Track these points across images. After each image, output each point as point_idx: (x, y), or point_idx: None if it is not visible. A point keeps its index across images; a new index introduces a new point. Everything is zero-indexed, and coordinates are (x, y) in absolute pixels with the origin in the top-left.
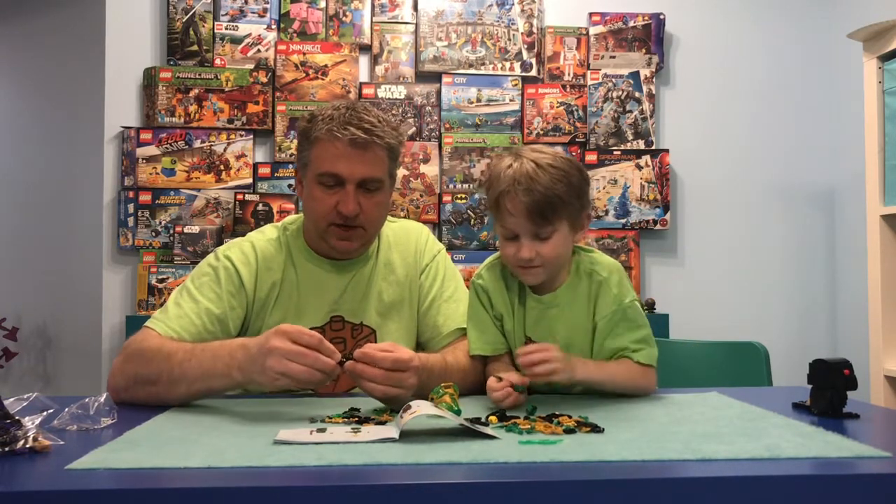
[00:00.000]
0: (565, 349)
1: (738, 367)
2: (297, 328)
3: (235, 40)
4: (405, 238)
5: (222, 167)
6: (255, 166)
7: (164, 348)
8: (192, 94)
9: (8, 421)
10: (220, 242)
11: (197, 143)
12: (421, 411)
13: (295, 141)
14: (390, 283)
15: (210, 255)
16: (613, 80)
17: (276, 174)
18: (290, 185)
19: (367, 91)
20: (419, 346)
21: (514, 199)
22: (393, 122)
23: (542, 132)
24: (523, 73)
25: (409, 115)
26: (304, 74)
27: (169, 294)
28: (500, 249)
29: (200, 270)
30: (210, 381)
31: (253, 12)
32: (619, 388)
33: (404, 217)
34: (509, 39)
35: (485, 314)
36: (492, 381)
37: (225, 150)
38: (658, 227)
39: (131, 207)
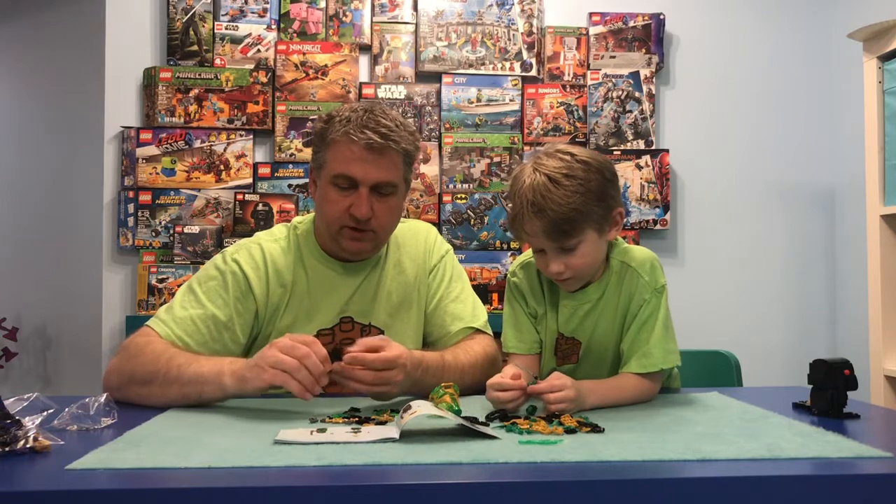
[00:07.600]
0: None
1: (709, 375)
2: (301, 335)
3: (235, 40)
4: (413, 238)
5: (222, 167)
6: (255, 166)
7: (169, 351)
8: (192, 94)
9: (8, 421)
10: (220, 242)
11: (197, 143)
12: (421, 411)
13: (295, 141)
14: (399, 284)
15: (217, 257)
16: (613, 80)
17: (276, 174)
18: (290, 185)
19: (367, 91)
20: (427, 346)
21: (529, 222)
22: (410, 127)
23: (542, 132)
24: (523, 73)
25: (409, 115)
26: (304, 74)
27: (170, 294)
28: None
29: (207, 273)
30: (202, 385)
31: (253, 12)
32: (628, 403)
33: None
34: (509, 39)
35: (521, 312)
36: (498, 379)
37: (225, 150)
38: (658, 227)
39: (131, 207)
